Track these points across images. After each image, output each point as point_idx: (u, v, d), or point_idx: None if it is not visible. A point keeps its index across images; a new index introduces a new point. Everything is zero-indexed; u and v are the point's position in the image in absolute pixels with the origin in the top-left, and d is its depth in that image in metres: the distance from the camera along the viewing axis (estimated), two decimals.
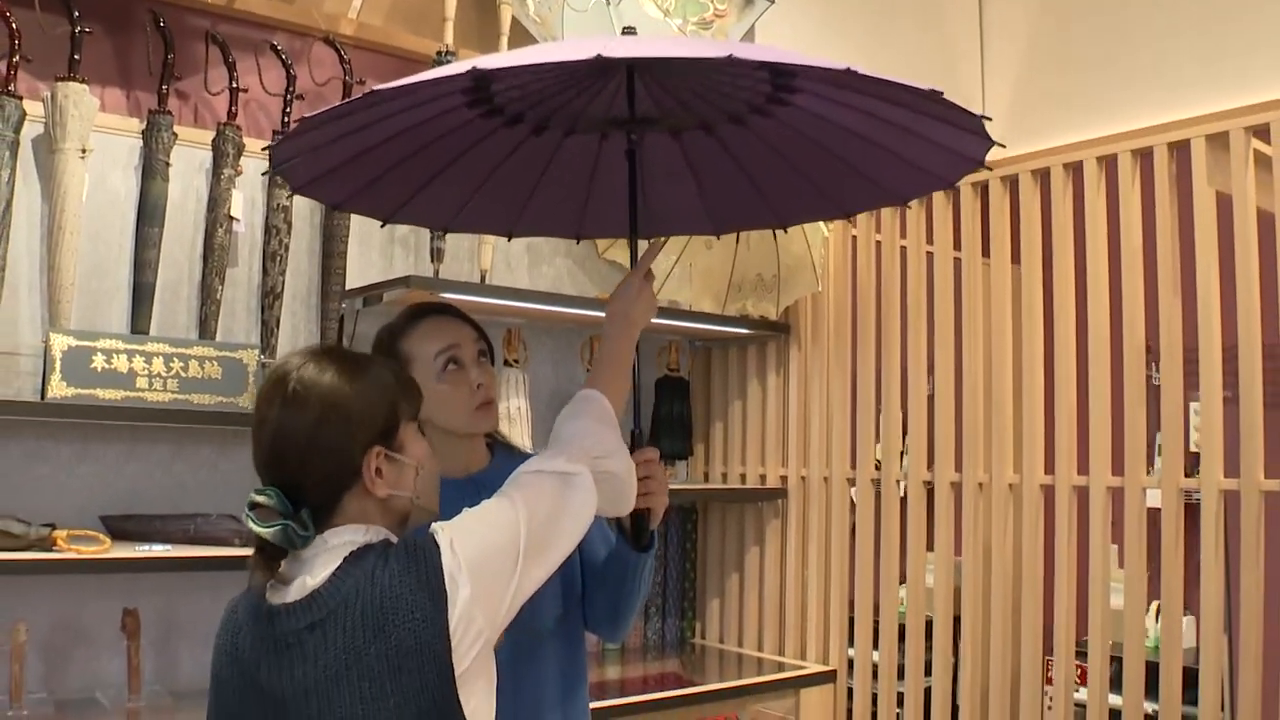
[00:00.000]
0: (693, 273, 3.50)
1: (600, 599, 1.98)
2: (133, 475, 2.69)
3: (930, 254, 3.19)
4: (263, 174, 2.79)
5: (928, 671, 3.10)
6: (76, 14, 2.52)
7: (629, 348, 1.84)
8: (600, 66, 1.73)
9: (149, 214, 2.66)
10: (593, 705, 2.83)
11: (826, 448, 3.29)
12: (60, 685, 2.54)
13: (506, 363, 3.19)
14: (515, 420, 3.16)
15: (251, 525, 1.39)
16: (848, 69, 1.47)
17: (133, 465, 2.69)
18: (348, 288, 2.96)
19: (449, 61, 2.97)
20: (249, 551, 1.43)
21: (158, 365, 2.56)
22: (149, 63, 2.70)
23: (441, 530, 1.41)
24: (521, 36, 3.18)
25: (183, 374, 2.59)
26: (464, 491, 1.92)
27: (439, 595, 1.35)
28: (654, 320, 3.26)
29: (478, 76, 1.66)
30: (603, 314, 1.89)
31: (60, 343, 2.45)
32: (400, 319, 2.00)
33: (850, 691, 3.20)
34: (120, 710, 2.50)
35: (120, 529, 2.57)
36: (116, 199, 2.68)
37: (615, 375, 1.77)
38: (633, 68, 1.79)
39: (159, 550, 2.46)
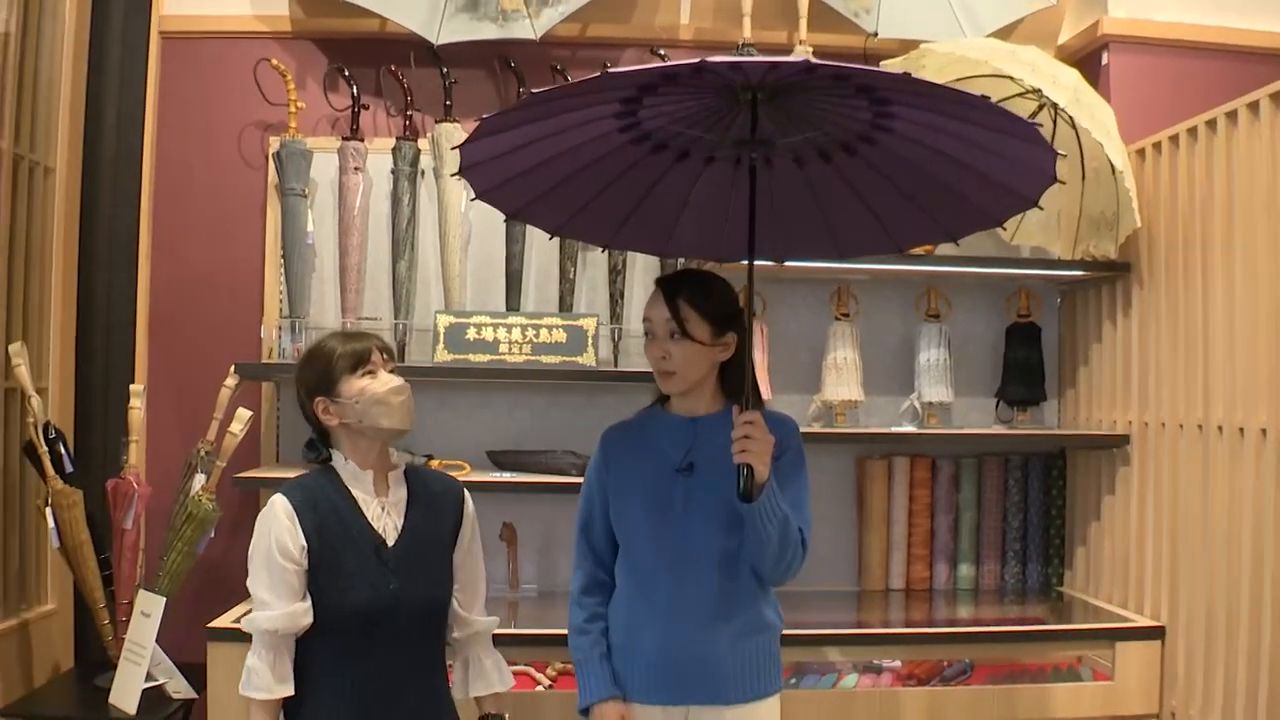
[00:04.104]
0: (1047, 216, 3.42)
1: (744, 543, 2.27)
2: (518, 419, 3.46)
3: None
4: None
5: None
6: (445, 70, 3.31)
7: None
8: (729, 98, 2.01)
9: None
10: (902, 630, 3.09)
11: (1168, 392, 3.08)
12: None
13: (836, 318, 3.45)
14: (842, 370, 3.41)
15: None
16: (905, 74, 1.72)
17: (518, 412, 3.47)
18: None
19: (749, 54, 3.31)
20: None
21: (515, 334, 3.29)
22: (502, 95, 3.45)
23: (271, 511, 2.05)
24: (823, 16, 3.41)
25: (534, 340, 3.29)
26: (686, 428, 2.35)
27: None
28: (995, 270, 3.28)
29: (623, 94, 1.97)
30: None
31: (443, 321, 3.28)
32: None
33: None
34: (503, 601, 3.30)
35: (498, 460, 3.36)
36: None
37: None
38: (757, 96, 2.00)
39: (502, 476, 3.20)
